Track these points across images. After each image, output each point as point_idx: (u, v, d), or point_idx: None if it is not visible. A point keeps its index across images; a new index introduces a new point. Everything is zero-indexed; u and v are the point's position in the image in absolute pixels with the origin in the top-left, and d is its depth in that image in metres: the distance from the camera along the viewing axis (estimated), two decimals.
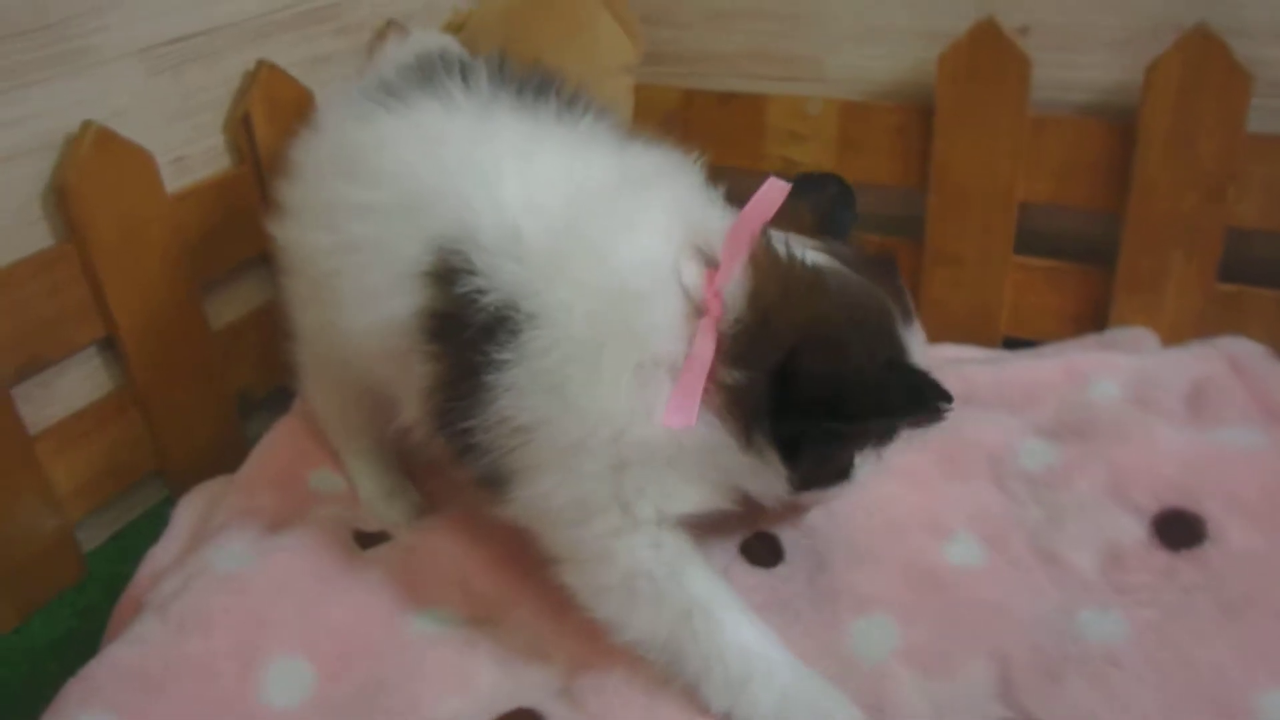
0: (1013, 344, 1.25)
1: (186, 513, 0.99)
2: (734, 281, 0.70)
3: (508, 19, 1.23)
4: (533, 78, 0.88)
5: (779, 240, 0.72)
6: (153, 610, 0.80)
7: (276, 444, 1.04)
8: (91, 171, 1.01)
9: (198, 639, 0.77)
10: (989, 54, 1.15)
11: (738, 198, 0.77)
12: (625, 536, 0.74)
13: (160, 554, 0.95)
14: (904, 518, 0.91)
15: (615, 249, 0.73)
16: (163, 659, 0.76)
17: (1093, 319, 1.22)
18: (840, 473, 0.78)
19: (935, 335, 1.26)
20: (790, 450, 0.71)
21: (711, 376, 0.69)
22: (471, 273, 0.74)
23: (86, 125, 1.01)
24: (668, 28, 1.40)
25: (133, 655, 0.76)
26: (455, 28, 1.28)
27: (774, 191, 0.73)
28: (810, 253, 0.73)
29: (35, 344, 1.00)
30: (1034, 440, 0.99)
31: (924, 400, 0.70)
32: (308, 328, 0.99)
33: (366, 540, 0.94)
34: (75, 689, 0.74)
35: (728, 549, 0.89)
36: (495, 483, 0.77)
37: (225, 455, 1.17)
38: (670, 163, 0.82)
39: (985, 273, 1.25)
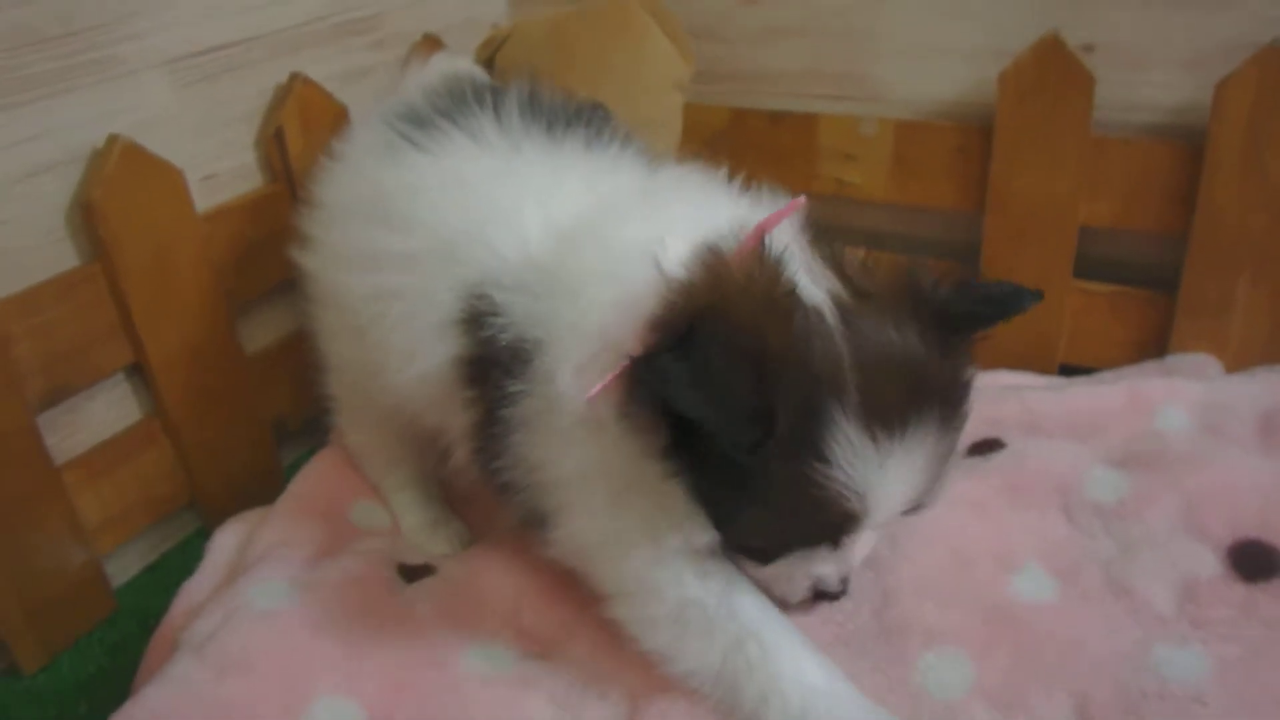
0: (1069, 371, 1.20)
1: (222, 545, 0.95)
2: (691, 266, 0.66)
3: (554, 34, 1.19)
4: (563, 107, 0.88)
5: (771, 249, 0.66)
6: (189, 650, 0.75)
7: (315, 475, 1.00)
8: (118, 188, 0.97)
9: (237, 680, 0.73)
10: (1052, 72, 1.11)
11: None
12: (667, 566, 0.71)
13: (195, 588, 0.91)
14: (971, 549, 0.87)
15: (609, 248, 0.72)
16: (200, 702, 0.72)
17: (1153, 345, 1.18)
18: (749, 546, 0.73)
19: (990, 361, 1.22)
20: (685, 457, 0.66)
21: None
22: (495, 314, 0.74)
23: (113, 139, 0.97)
24: (716, 44, 1.36)
25: (169, 698, 0.72)
26: (496, 43, 1.24)
27: (791, 206, 0.70)
28: (814, 288, 0.66)
29: (61, 370, 0.96)
30: (1102, 470, 0.94)
31: (737, 430, 0.61)
32: (339, 358, 0.97)
33: (411, 574, 0.89)
34: None
35: None
36: (535, 524, 0.76)
37: (260, 486, 1.13)
38: (694, 178, 0.80)
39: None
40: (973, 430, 1.01)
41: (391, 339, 0.82)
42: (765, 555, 0.73)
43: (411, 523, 0.98)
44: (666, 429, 0.65)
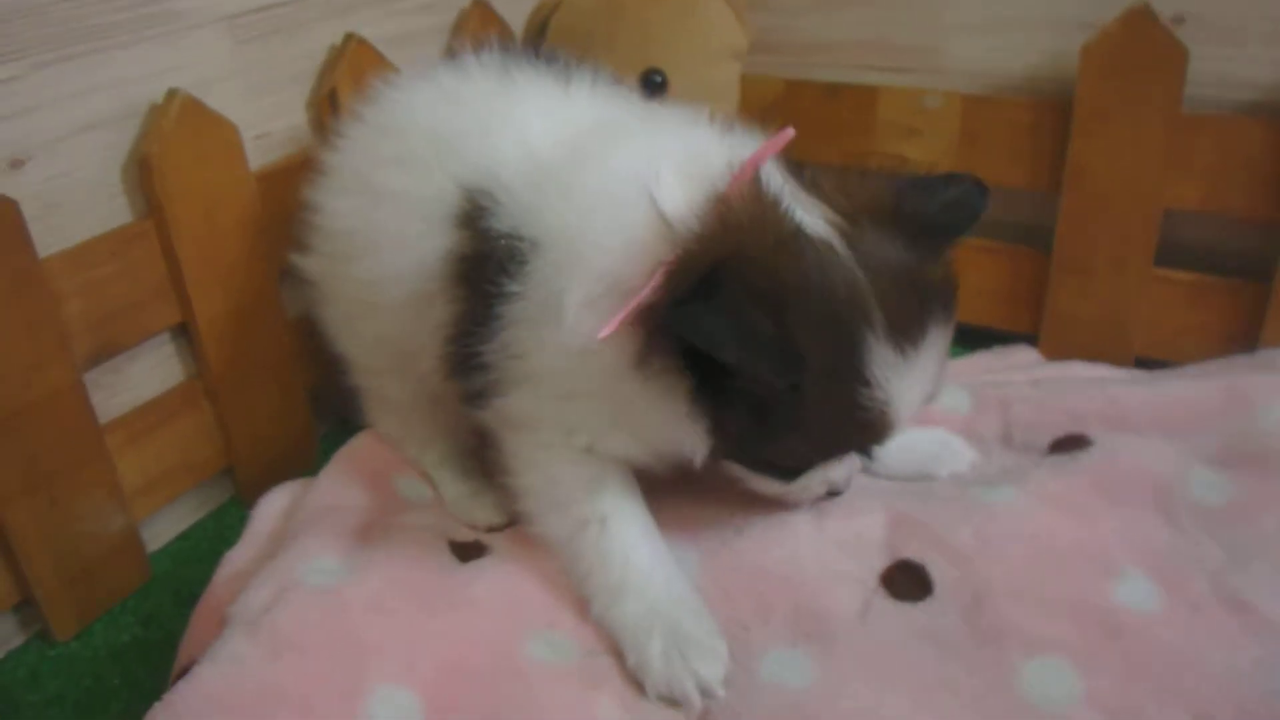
0: (1145, 364, 1.15)
1: (265, 513, 0.91)
2: (702, 211, 0.69)
3: (608, 0, 1.14)
4: (567, 58, 0.91)
5: (768, 184, 0.70)
6: (241, 627, 0.71)
7: (361, 448, 0.97)
8: (176, 144, 0.94)
9: (292, 663, 0.69)
10: (1141, 45, 1.06)
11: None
12: (555, 451, 0.81)
13: (237, 557, 0.87)
14: (1066, 550, 0.81)
15: (607, 169, 0.75)
16: (256, 685, 0.68)
17: (1241, 339, 1.12)
18: (775, 466, 0.79)
19: (1059, 350, 1.18)
20: (707, 401, 0.70)
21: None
22: (493, 208, 0.78)
23: (172, 94, 0.94)
24: (770, 13, 1.31)
25: (223, 679, 0.68)
26: (549, 8, 1.20)
27: (782, 136, 0.73)
28: (812, 217, 0.70)
29: (110, 328, 0.93)
30: (1203, 470, 0.88)
31: (776, 371, 0.66)
32: (351, 341, 0.96)
33: (463, 552, 0.85)
34: (162, 715, 0.65)
35: (866, 582, 0.80)
36: (484, 394, 0.81)
37: (296, 455, 1.11)
38: (681, 112, 0.84)
39: (1120, 285, 1.15)
40: (1054, 424, 0.98)
41: (383, 241, 0.85)
42: (792, 473, 0.79)
43: (453, 494, 0.95)
44: (690, 372, 0.69)
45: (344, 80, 1.09)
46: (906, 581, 0.80)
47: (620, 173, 0.74)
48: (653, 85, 1.11)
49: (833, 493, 0.83)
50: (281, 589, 0.75)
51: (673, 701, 0.73)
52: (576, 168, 0.77)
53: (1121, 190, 1.12)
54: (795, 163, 0.76)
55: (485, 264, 0.77)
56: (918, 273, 0.71)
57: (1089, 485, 0.87)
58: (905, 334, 0.69)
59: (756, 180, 0.70)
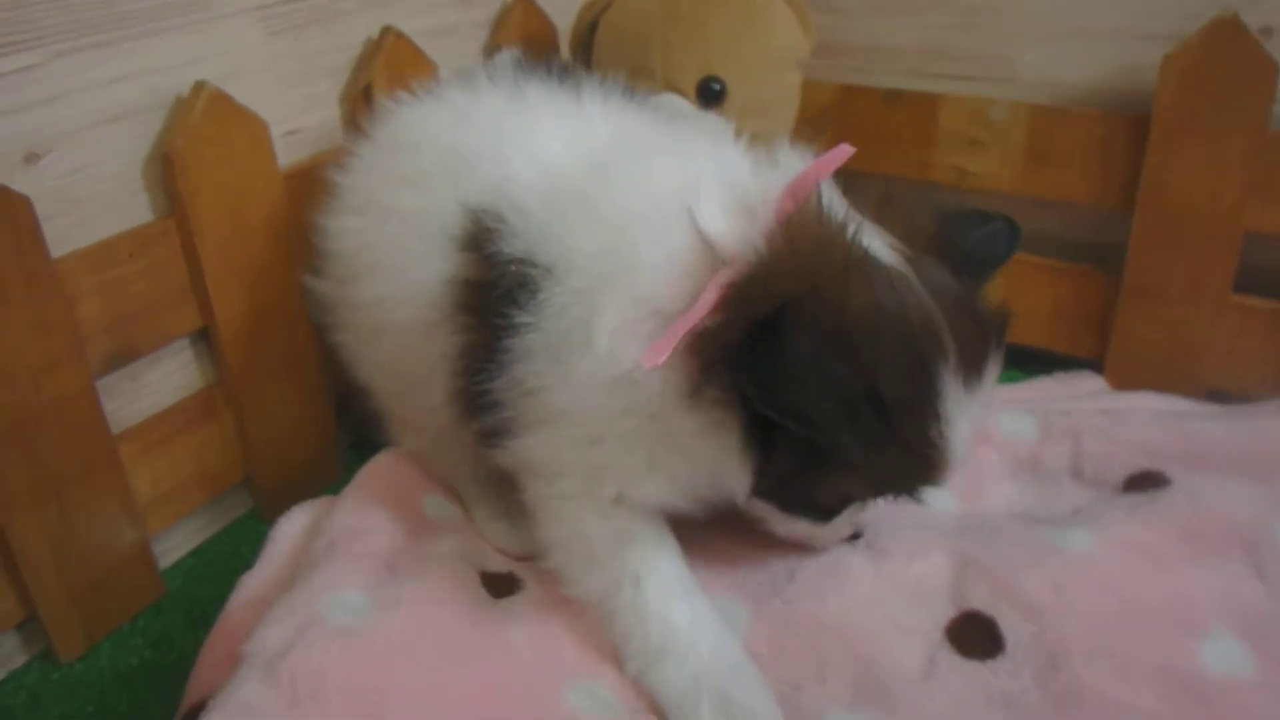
0: (1217, 396, 1.08)
1: (284, 534, 0.86)
2: (761, 233, 0.64)
3: (665, 1, 1.08)
4: (584, 74, 0.88)
5: (832, 206, 0.65)
6: (256, 670, 0.65)
7: (386, 465, 0.90)
8: (202, 139, 0.88)
9: (311, 714, 0.63)
10: (1226, 57, 0.99)
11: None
12: (578, 502, 0.75)
13: (255, 581, 0.82)
14: (1146, 605, 0.75)
15: (631, 185, 0.71)
16: None
17: None
18: (816, 506, 0.75)
19: (1124, 378, 1.11)
20: (759, 436, 0.66)
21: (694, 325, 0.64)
22: (501, 231, 0.73)
23: (199, 86, 0.89)
24: (827, 14, 1.25)
25: None
26: (599, 7, 1.14)
27: (838, 154, 0.68)
28: (877, 243, 0.66)
29: (127, 332, 0.88)
30: None
31: (860, 440, 0.62)
32: (368, 367, 0.92)
33: (495, 585, 0.80)
34: None
35: (930, 635, 0.74)
36: (498, 435, 0.76)
37: (318, 467, 1.07)
38: (716, 127, 0.82)
39: (1194, 311, 1.09)
40: (1128, 458, 0.91)
41: (384, 261, 0.81)
42: (829, 514, 0.76)
43: (484, 515, 0.89)
44: (745, 410, 0.65)
45: (380, 75, 1.04)
46: (975, 636, 0.74)
47: (654, 191, 0.70)
48: (710, 94, 1.04)
49: (855, 535, 0.80)
50: (301, 627, 0.69)
51: None
52: (601, 187, 0.73)
53: (1200, 211, 1.05)
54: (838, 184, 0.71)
55: (491, 292, 0.73)
56: (978, 305, 0.69)
57: (1170, 532, 0.81)
58: (973, 367, 0.66)
59: (818, 199, 0.65)
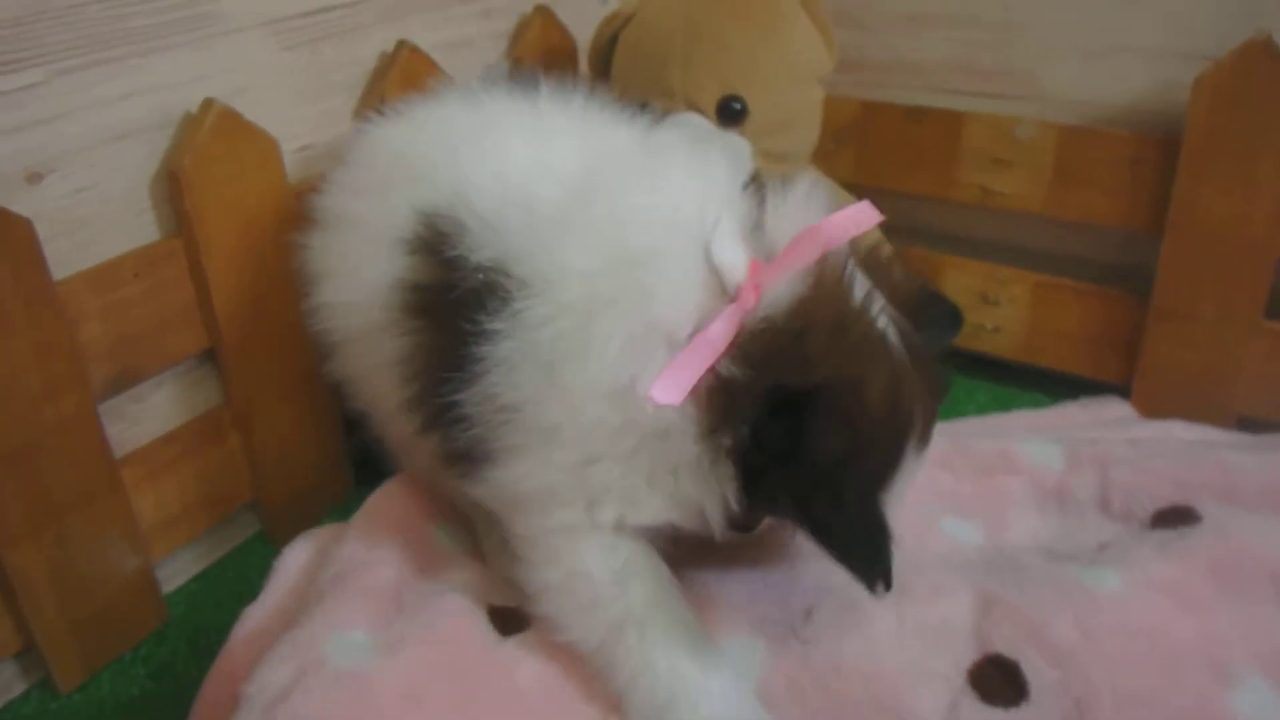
0: (1247, 423, 1.05)
1: (291, 564, 0.84)
2: (785, 283, 0.64)
3: (686, 15, 1.05)
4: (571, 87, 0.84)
5: (859, 281, 0.66)
6: (256, 711, 0.64)
7: (395, 494, 0.88)
8: (210, 157, 0.87)
9: None
10: (1259, 79, 0.97)
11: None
12: (578, 537, 0.71)
13: (258, 613, 0.80)
14: (1177, 649, 0.72)
15: (633, 205, 0.69)
16: None
17: None
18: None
19: (1152, 404, 1.09)
20: (753, 482, 0.65)
21: (711, 365, 0.63)
22: (462, 238, 0.71)
23: (207, 103, 0.87)
24: (851, 29, 1.23)
25: None
26: (619, 20, 1.11)
27: (865, 214, 0.67)
28: (885, 319, 0.67)
29: (132, 353, 0.86)
30: None
31: (868, 561, 0.63)
32: (358, 390, 0.90)
33: (503, 622, 0.77)
34: None
35: (952, 679, 0.72)
36: (470, 460, 0.72)
37: (326, 488, 1.05)
38: (734, 151, 0.82)
39: (1224, 336, 1.06)
40: (1157, 491, 0.88)
41: (338, 269, 0.81)
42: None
43: (490, 544, 0.86)
44: (749, 459, 0.64)
45: (394, 89, 1.02)
46: (998, 681, 0.71)
47: (649, 222, 0.68)
48: (731, 113, 1.02)
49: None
50: (302, 669, 0.67)
51: None
52: (590, 201, 0.70)
53: (1231, 234, 1.02)
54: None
55: (449, 296, 0.70)
56: (944, 379, 0.71)
57: (1201, 572, 0.78)
58: (925, 441, 0.68)
59: (843, 263, 0.66)
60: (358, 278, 0.78)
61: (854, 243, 0.69)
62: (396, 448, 0.92)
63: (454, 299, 0.70)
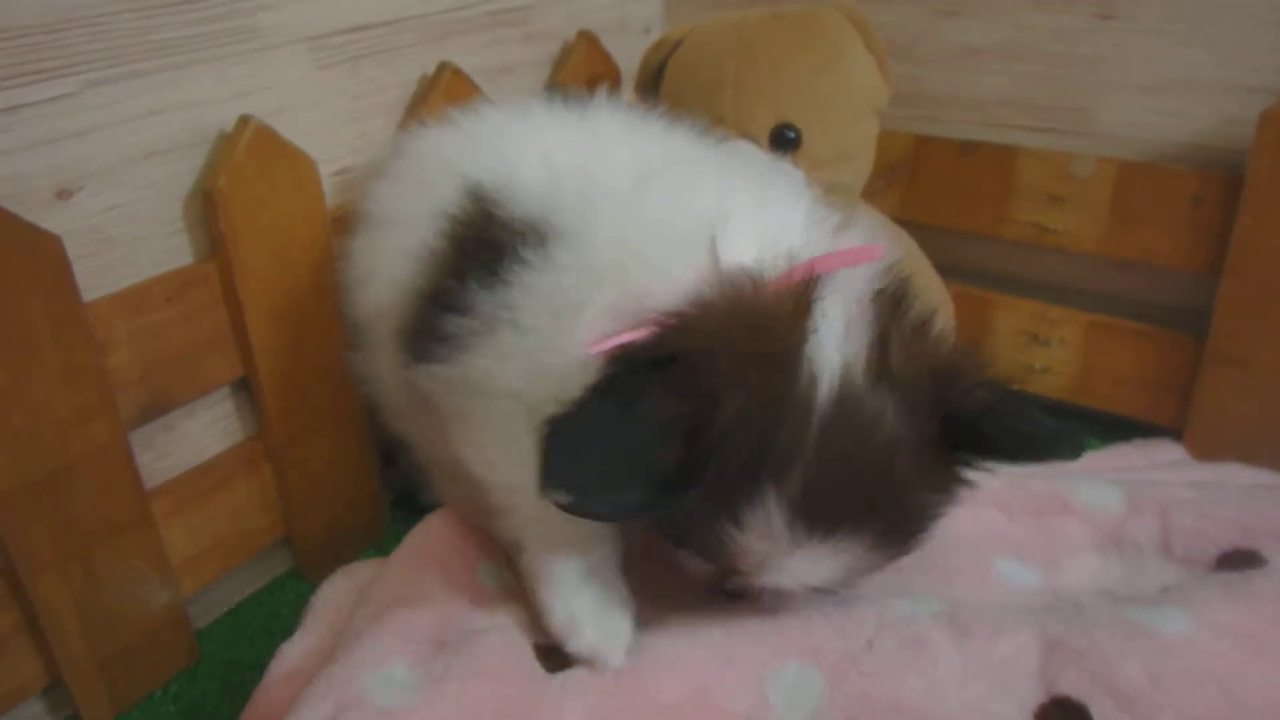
0: None
1: (327, 599, 0.81)
2: (746, 284, 0.62)
3: (740, 43, 1.02)
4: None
5: (814, 295, 0.61)
6: None
7: (436, 528, 0.85)
8: (245, 177, 0.84)
9: None
10: None
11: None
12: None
13: (295, 651, 0.77)
14: (1247, 696, 0.68)
15: (683, 197, 0.69)
16: None
17: None
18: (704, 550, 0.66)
19: (1207, 447, 1.05)
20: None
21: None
22: (505, 196, 0.73)
23: (244, 121, 0.84)
24: (902, 62, 1.20)
25: None
26: (669, 47, 1.09)
27: (868, 252, 0.65)
28: (828, 347, 0.62)
29: (162, 381, 0.83)
30: None
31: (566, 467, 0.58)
32: (399, 413, 0.90)
33: (549, 660, 0.73)
34: None
35: None
36: (448, 343, 0.72)
37: (362, 523, 1.02)
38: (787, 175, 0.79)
39: None
40: (1221, 535, 0.85)
41: (379, 265, 0.81)
42: (674, 540, 0.69)
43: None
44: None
45: (436, 113, 0.99)
46: None
47: (676, 213, 0.67)
48: (784, 142, 0.99)
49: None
50: (343, 706, 0.64)
51: None
52: (642, 184, 0.71)
53: None
54: (899, 295, 0.66)
55: (487, 236, 0.72)
56: (887, 476, 0.62)
57: (1270, 616, 0.74)
58: (813, 519, 0.60)
59: (806, 290, 0.61)
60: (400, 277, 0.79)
61: (902, 298, 0.66)
62: (438, 473, 0.89)
63: (492, 241, 0.71)
